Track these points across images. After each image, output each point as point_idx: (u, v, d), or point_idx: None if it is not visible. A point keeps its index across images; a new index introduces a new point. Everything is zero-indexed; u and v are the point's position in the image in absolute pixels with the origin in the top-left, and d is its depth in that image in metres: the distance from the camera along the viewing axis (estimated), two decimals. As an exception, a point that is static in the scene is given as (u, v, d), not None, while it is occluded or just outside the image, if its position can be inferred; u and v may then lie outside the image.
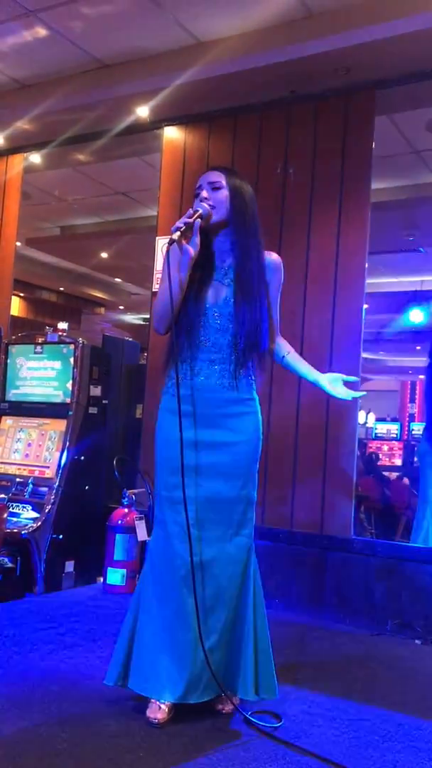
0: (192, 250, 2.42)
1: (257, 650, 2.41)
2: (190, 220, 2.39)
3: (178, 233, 2.36)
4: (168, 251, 2.38)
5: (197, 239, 2.43)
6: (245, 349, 2.44)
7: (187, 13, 3.87)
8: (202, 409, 2.44)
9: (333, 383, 2.59)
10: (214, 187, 2.48)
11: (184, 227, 2.37)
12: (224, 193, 2.47)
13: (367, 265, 4.02)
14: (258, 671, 2.39)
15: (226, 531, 2.42)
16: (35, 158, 5.46)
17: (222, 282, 2.48)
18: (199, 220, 2.41)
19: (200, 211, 2.42)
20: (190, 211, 2.42)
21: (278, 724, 2.38)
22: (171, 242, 2.36)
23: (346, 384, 2.60)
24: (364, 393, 2.68)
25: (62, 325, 4.65)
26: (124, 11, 3.88)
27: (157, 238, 4.57)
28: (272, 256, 2.58)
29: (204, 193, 2.49)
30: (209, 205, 2.45)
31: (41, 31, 4.16)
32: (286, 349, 2.65)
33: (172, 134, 4.74)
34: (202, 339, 2.46)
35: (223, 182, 2.48)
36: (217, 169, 2.55)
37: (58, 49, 4.32)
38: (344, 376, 2.60)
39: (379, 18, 3.59)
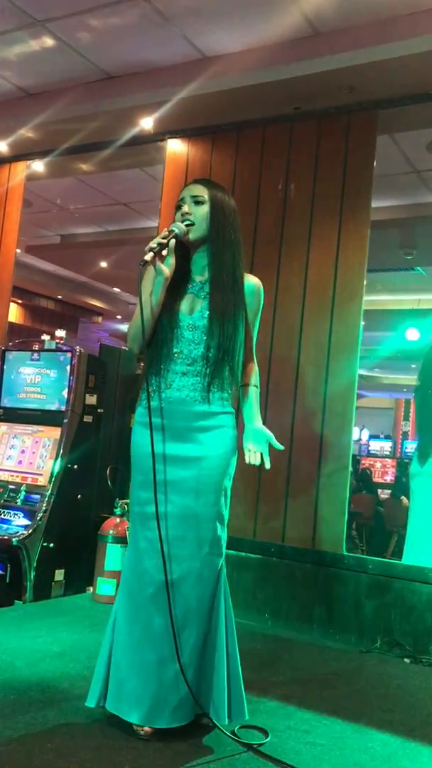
0: (166, 271, 2.41)
1: (229, 674, 2.35)
2: (164, 241, 2.37)
3: (151, 254, 2.35)
4: (140, 272, 2.38)
5: (172, 260, 2.42)
6: (217, 362, 2.40)
7: (194, 27, 3.91)
8: (173, 422, 2.40)
9: (254, 439, 2.48)
10: (197, 201, 2.47)
11: (157, 248, 2.36)
12: (205, 209, 2.46)
13: (365, 282, 4.04)
14: (230, 695, 2.34)
15: (197, 549, 2.34)
16: (38, 166, 5.48)
17: (198, 295, 2.47)
18: (173, 240, 2.40)
19: (175, 231, 2.41)
20: (165, 231, 2.42)
21: (265, 740, 2.37)
22: (143, 264, 2.34)
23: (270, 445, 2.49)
24: (266, 466, 2.49)
25: (60, 333, 4.66)
26: (131, 24, 3.92)
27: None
28: (252, 280, 2.53)
29: (185, 208, 2.47)
30: (188, 222, 2.44)
31: (48, 41, 4.19)
32: (248, 380, 2.56)
33: (175, 147, 4.77)
34: (175, 351, 2.43)
35: (206, 196, 2.47)
36: (200, 183, 2.53)
37: (65, 59, 4.35)
38: (272, 440, 2.49)
39: (384, 39, 3.63)
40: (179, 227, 2.43)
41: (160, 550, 2.31)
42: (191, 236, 2.45)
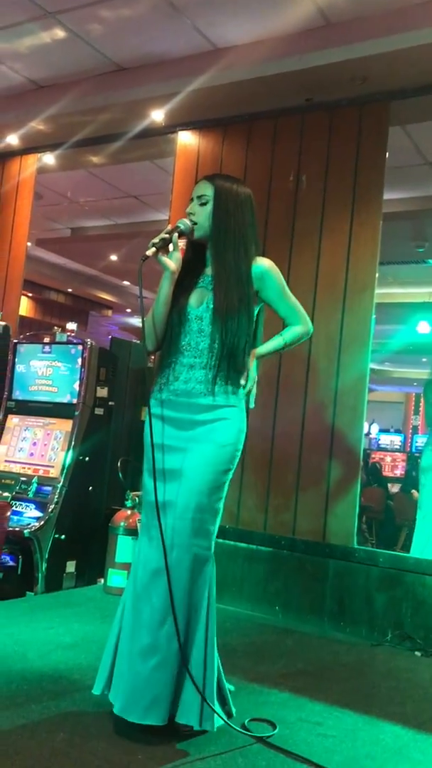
0: (172, 265, 2.44)
1: (205, 677, 2.27)
2: (167, 236, 2.41)
3: (153, 249, 2.39)
4: (139, 266, 2.38)
5: (178, 254, 2.45)
6: (221, 357, 2.40)
7: (205, 19, 3.89)
8: (178, 414, 2.43)
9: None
10: (201, 203, 2.48)
11: (160, 243, 2.40)
12: (209, 209, 2.46)
13: (377, 275, 4.03)
14: (204, 699, 2.25)
15: (185, 539, 2.32)
16: (49, 159, 5.48)
17: (207, 288, 2.47)
18: (176, 235, 2.42)
19: (180, 227, 2.44)
20: (169, 227, 2.45)
21: (273, 732, 2.37)
22: (144, 258, 2.38)
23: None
24: (250, 405, 2.50)
25: (71, 326, 4.67)
26: (143, 15, 3.91)
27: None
28: (258, 263, 2.49)
29: (189, 208, 2.50)
30: (193, 222, 2.46)
31: (59, 33, 4.19)
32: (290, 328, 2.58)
33: (186, 139, 4.76)
34: (183, 343, 2.45)
35: (210, 195, 2.47)
36: (207, 180, 2.52)
37: (76, 51, 4.34)
38: (252, 385, 2.48)
39: (396, 28, 3.61)
40: (185, 223, 2.46)
41: (156, 539, 2.31)
42: (195, 235, 2.48)
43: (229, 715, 2.39)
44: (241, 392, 2.45)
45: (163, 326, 2.48)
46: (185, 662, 2.26)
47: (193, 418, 2.41)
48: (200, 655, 2.29)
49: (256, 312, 2.50)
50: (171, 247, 2.42)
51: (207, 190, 2.48)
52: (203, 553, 2.35)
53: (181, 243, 2.52)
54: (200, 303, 2.46)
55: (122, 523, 4.17)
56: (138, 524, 4.13)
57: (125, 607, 2.40)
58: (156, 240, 2.40)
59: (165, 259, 2.43)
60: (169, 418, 2.44)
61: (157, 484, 2.38)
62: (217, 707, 2.28)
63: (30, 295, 10.75)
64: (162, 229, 2.46)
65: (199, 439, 2.39)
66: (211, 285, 2.46)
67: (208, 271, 2.51)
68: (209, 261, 2.52)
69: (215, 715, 2.26)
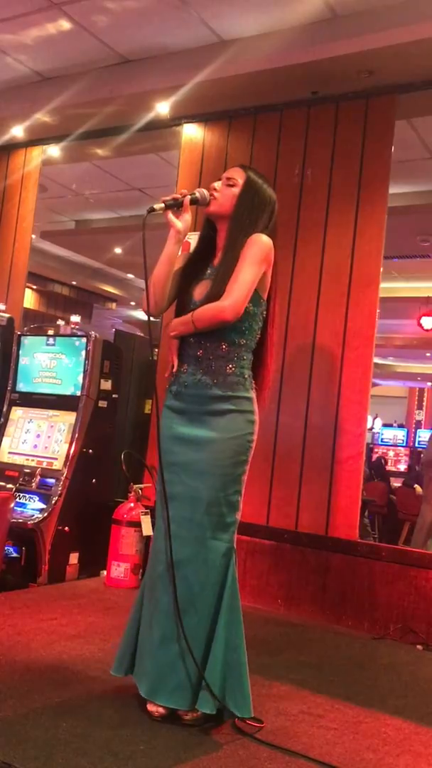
0: (178, 224, 2.44)
1: (228, 666, 2.28)
2: (178, 196, 2.42)
3: (162, 205, 2.40)
4: (144, 218, 2.38)
5: (188, 216, 2.45)
6: (227, 346, 2.39)
7: (211, 10, 3.88)
8: (189, 406, 2.43)
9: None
10: (229, 184, 2.47)
11: (170, 201, 2.41)
12: (235, 191, 2.45)
13: (382, 269, 4.02)
14: (226, 686, 2.27)
15: (203, 532, 2.33)
16: (53, 151, 5.47)
17: (210, 278, 2.47)
18: (189, 197, 2.43)
19: (196, 194, 2.45)
20: (185, 190, 2.46)
21: (260, 726, 2.33)
22: (150, 210, 2.39)
23: None
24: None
25: (75, 318, 4.67)
26: (148, 7, 3.89)
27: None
28: (253, 237, 2.40)
29: (215, 184, 2.49)
30: (213, 196, 2.46)
31: (64, 25, 4.17)
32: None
33: (191, 131, 4.75)
34: (190, 335, 2.44)
35: (240, 181, 2.46)
36: (241, 167, 2.52)
37: (81, 42, 4.33)
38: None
39: (403, 21, 3.59)
40: (202, 193, 2.46)
41: (166, 530, 2.34)
42: (212, 208, 2.47)
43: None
44: (249, 382, 2.45)
45: (163, 287, 2.47)
46: (206, 651, 2.30)
47: (202, 408, 2.40)
48: (222, 647, 2.29)
49: (263, 300, 2.47)
50: (182, 209, 2.43)
51: (238, 175, 2.48)
52: (222, 545, 2.35)
53: (191, 238, 2.51)
54: (202, 294, 2.44)
55: (125, 516, 4.18)
56: (141, 516, 4.15)
57: (143, 594, 2.45)
58: (168, 198, 2.40)
59: (172, 217, 2.43)
60: (180, 410, 2.44)
61: (170, 477, 2.39)
62: (234, 699, 2.28)
63: (34, 287, 10.75)
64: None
65: (209, 430, 2.38)
66: (213, 273, 2.46)
67: (215, 262, 2.51)
68: (220, 246, 2.50)
69: (248, 703, 2.29)
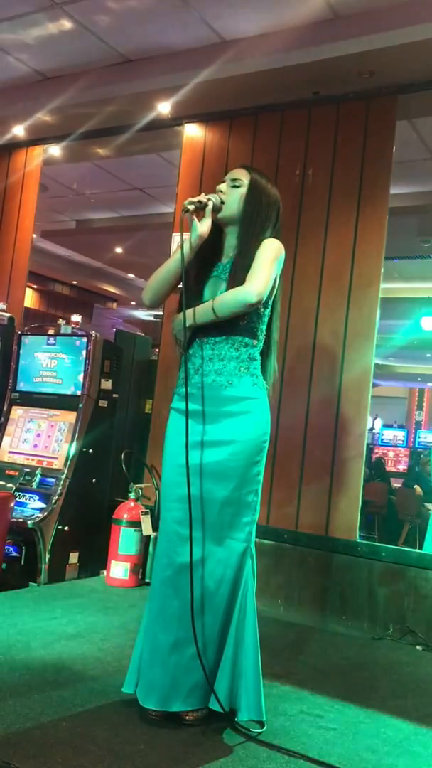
0: (203, 228, 2.42)
1: (238, 667, 2.28)
2: (204, 199, 2.42)
3: (193, 206, 2.40)
4: (182, 219, 2.40)
5: (209, 222, 2.44)
6: (240, 345, 2.40)
7: (213, 10, 3.88)
8: (204, 408, 2.41)
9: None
10: (234, 185, 2.48)
11: (198, 204, 2.41)
12: (241, 192, 2.46)
13: (382, 270, 4.02)
14: (238, 689, 2.27)
15: (217, 533, 2.34)
16: (54, 151, 5.47)
17: (220, 277, 2.47)
18: (210, 203, 2.43)
19: (213, 201, 2.44)
20: (203, 195, 2.46)
21: (262, 730, 2.32)
22: (186, 210, 2.39)
23: None
24: None
25: (76, 318, 4.66)
26: (150, 7, 3.89)
27: (173, 234, 4.58)
28: (267, 241, 2.44)
29: (220, 186, 2.50)
30: (221, 201, 2.46)
31: (66, 24, 4.17)
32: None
33: (193, 131, 4.75)
34: (201, 336, 2.44)
35: (245, 181, 2.47)
36: (244, 168, 2.53)
37: (82, 42, 4.33)
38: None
39: (405, 22, 3.59)
40: (217, 199, 2.46)
41: (175, 533, 2.32)
42: (219, 215, 2.47)
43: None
44: (262, 382, 2.46)
45: (167, 285, 2.48)
46: (222, 651, 2.29)
47: (218, 410, 2.39)
48: (231, 647, 2.29)
49: (270, 300, 2.47)
50: (204, 214, 2.43)
51: (243, 176, 2.48)
52: (238, 545, 2.36)
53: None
54: (214, 294, 2.44)
55: (125, 515, 4.18)
56: (141, 516, 4.15)
57: (147, 602, 2.41)
58: (194, 199, 2.41)
59: (198, 222, 2.42)
60: (193, 412, 2.39)
61: (180, 479, 2.35)
62: (244, 700, 2.27)
63: (35, 286, 10.75)
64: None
65: (224, 432, 2.37)
66: (225, 273, 2.46)
67: (224, 259, 2.51)
68: (226, 246, 2.51)
69: (261, 705, 2.28)
